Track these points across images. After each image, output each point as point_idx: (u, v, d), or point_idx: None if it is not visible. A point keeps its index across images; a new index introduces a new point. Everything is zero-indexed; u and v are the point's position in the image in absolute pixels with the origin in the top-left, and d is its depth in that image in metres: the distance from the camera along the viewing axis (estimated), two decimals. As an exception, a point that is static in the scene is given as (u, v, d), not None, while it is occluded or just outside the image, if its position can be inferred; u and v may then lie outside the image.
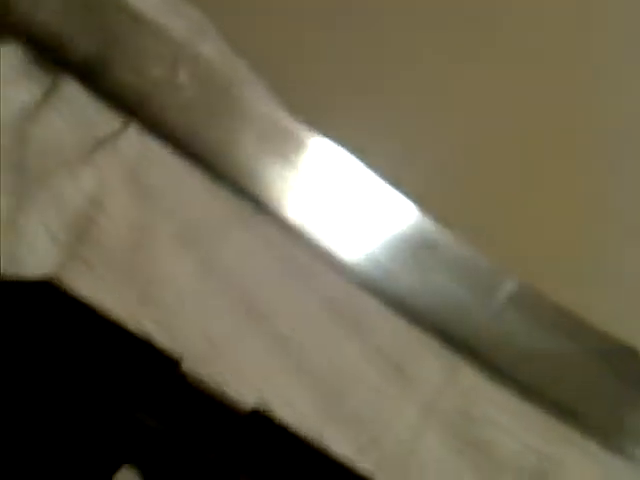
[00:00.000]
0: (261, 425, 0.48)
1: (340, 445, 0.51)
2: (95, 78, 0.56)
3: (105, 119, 0.56)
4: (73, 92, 0.55)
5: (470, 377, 0.59)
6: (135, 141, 0.56)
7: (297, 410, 0.51)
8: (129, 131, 0.56)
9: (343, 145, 0.61)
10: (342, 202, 0.59)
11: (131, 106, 0.56)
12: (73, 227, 0.53)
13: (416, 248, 0.60)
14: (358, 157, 0.61)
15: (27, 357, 0.44)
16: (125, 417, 0.44)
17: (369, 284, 0.58)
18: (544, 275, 0.60)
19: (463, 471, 0.55)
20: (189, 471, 0.45)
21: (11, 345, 0.44)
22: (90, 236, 0.53)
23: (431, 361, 0.58)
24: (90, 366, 0.44)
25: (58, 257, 0.52)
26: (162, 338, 0.50)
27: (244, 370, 0.53)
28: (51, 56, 0.56)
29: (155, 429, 0.44)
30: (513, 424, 0.57)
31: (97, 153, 0.55)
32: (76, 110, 0.55)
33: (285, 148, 0.59)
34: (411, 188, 0.61)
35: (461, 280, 0.59)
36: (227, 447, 0.45)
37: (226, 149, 0.58)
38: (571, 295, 0.59)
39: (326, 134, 0.60)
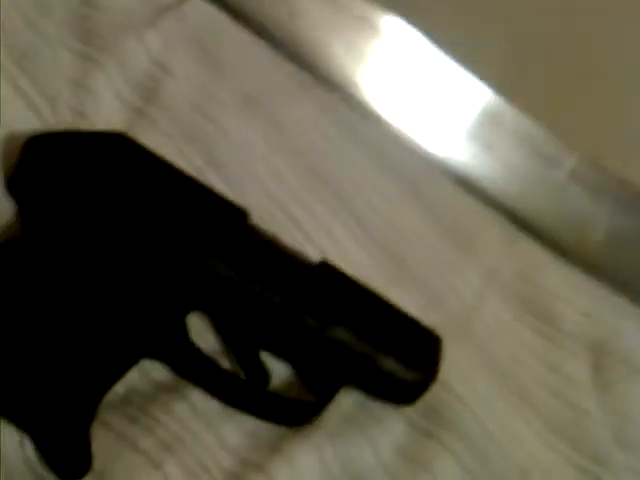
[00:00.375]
0: (328, 275, 0.48)
1: (403, 304, 0.51)
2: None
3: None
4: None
5: (530, 247, 0.59)
6: (199, 8, 0.56)
7: (360, 269, 0.52)
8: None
9: (413, 25, 0.61)
10: (409, 79, 0.59)
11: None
12: (140, 87, 0.53)
13: (483, 124, 0.60)
14: (427, 36, 0.61)
15: (104, 203, 0.44)
16: (195, 263, 0.44)
17: (434, 158, 0.58)
18: (607, 150, 0.60)
19: (523, 332, 0.56)
20: (256, 315, 0.46)
21: (88, 191, 0.44)
22: (156, 96, 0.53)
23: (493, 230, 0.58)
24: (163, 213, 0.45)
25: (125, 115, 0.52)
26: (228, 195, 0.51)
27: (308, 230, 0.53)
28: None
29: (224, 275, 0.45)
30: (571, 293, 0.57)
31: (162, 18, 0.55)
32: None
33: (353, 25, 0.59)
34: (481, 68, 0.61)
35: (526, 155, 0.59)
36: (294, 293, 0.46)
37: (291, 23, 0.58)
38: (633, 169, 0.59)
39: (394, 13, 0.60)
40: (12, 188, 0.45)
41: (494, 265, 0.57)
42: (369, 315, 0.48)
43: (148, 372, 0.44)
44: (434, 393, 0.50)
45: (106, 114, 0.51)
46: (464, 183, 0.60)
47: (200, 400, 0.44)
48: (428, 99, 0.62)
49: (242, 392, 0.45)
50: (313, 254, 0.51)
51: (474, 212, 0.59)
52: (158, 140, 0.51)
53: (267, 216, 0.52)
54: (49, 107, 0.49)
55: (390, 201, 0.56)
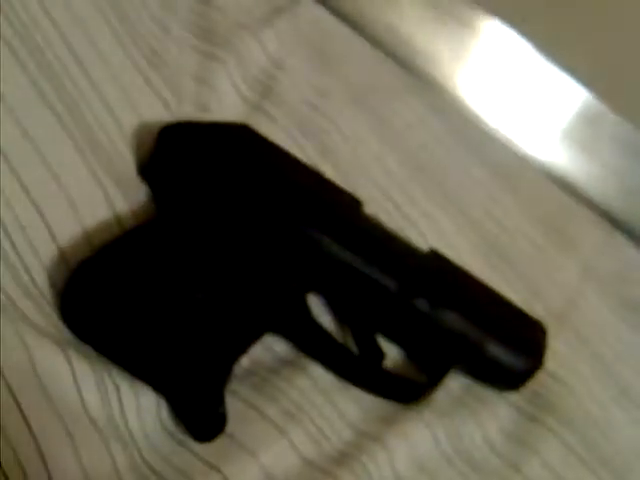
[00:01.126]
0: (438, 262, 0.50)
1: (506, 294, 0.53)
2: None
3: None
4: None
5: (625, 245, 0.60)
6: (312, 10, 0.59)
7: (463, 259, 0.53)
8: (305, 1, 0.59)
9: (513, 28, 0.62)
10: (508, 81, 0.61)
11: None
12: (257, 83, 0.56)
13: (581, 126, 0.61)
14: (527, 39, 0.62)
15: (232, 189, 0.47)
16: (315, 246, 0.47)
17: (532, 158, 0.60)
18: None
19: (619, 326, 0.57)
20: (371, 299, 0.48)
21: (218, 178, 0.47)
22: (272, 92, 0.56)
23: (590, 228, 0.59)
24: (287, 198, 0.47)
25: (244, 109, 0.55)
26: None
27: (415, 220, 0.55)
28: None
29: (342, 259, 0.47)
30: None
31: (278, 18, 0.58)
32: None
33: (457, 29, 0.61)
34: (578, 70, 0.62)
35: (623, 156, 0.61)
36: (407, 278, 0.48)
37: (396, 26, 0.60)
38: None
39: (498, 17, 0.62)
40: (147, 175, 0.48)
41: (591, 260, 0.59)
42: (478, 302, 0.50)
43: (271, 346, 0.46)
44: (539, 379, 0.51)
45: (227, 108, 0.54)
46: (562, 184, 0.61)
47: (319, 374, 0.46)
48: (527, 101, 0.64)
49: (357, 367, 0.47)
50: (419, 244, 0.53)
51: (571, 210, 0.60)
52: (274, 133, 0.53)
53: (376, 206, 0.54)
54: (176, 101, 0.52)
55: (492, 196, 0.58)
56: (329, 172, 0.54)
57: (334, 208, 0.49)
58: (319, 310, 0.49)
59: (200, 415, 0.41)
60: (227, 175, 0.47)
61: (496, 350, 0.49)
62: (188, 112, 0.52)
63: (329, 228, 0.47)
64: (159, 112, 0.51)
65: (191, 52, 0.55)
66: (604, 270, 0.60)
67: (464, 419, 0.49)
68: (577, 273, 0.59)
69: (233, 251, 0.45)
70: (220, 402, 0.41)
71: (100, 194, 0.45)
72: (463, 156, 0.60)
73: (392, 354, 0.50)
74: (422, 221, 0.56)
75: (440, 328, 0.48)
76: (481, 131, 0.62)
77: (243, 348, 0.44)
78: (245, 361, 0.45)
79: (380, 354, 0.48)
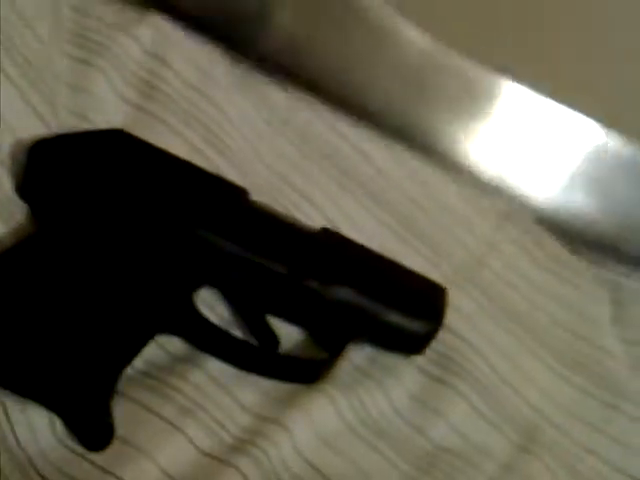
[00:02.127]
0: (329, 240, 0.51)
1: (411, 261, 0.53)
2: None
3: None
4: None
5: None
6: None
7: (367, 233, 0.54)
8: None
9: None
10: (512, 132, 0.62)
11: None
12: (137, 81, 0.56)
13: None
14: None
15: (109, 195, 0.47)
16: (196, 241, 0.47)
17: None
18: None
19: (538, 275, 0.58)
20: (261, 285, 0.48)
21: (94, 186, 0.47)
22: (154, 89, 0.56)
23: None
24: (165, 198, 0.48)
25: (127, 112, 0.55)
26: (231, 173, 0.53)
27: (313, 198, 0.56)
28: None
29: (226, 250, 0.48)
30: None
31: (148, 12, 0.58)
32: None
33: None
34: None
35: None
36: (295, 260, 0.48)
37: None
38: None
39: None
40: (22, 192, 0.48)
41: (508, 210, 0.59)
42: (370, 273, 0.50)
43: (164, 346, 0.47)
44: (445, 341, 0.52)
45: (108, 114, 0.54)
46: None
47: (215, 367, 0.47)
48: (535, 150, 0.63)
49: (253, 356, 0.48)
50: (321, 222, 0.54)
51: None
52: (160, 130, 0.54)
53: (272, 189, 0.54)
54: (52, 113, 0.52)
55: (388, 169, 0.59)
56: (219, 161, 0.54)
57: (215, 201, 0.49)
58: (213, 302, 0.50)
59: (87, 426, 0.42)
60: (101, 183, 0.48)
61: (392, 317, 0.50)
62: (67, 123, 0.53)
63: (209, 221, 0.48)
64: (35, 127, 0.51)
65: (66, 60, 0.55)
66: (521, 218, 0.61)
67: (369, 389, 0.50)
68: (489, 226, 0.59)
69: (117, 257, 0.46)
70: (106, 411, 0.42)
71: None
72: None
73: (293, 335, 0.51)
74: (320, 200, 0.56)
75: (333, 304, 0.49)
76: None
77: (132, 352, 0.45)
78: (139, 363, 0.46)
79: (275, 339, 0.49)
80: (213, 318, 0.49)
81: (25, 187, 0.48)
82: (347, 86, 0.60)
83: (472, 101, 0.61)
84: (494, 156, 0.61)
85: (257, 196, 0.52)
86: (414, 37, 0.61)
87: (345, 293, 0.49)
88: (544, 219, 0.62)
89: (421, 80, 0.61)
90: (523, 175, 0.62)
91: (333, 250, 0.51)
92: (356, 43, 0.60)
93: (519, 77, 0.62)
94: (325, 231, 0.52)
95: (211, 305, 0.49)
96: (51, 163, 0.48)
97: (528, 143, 0.62)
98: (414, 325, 0.50)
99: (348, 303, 0.49)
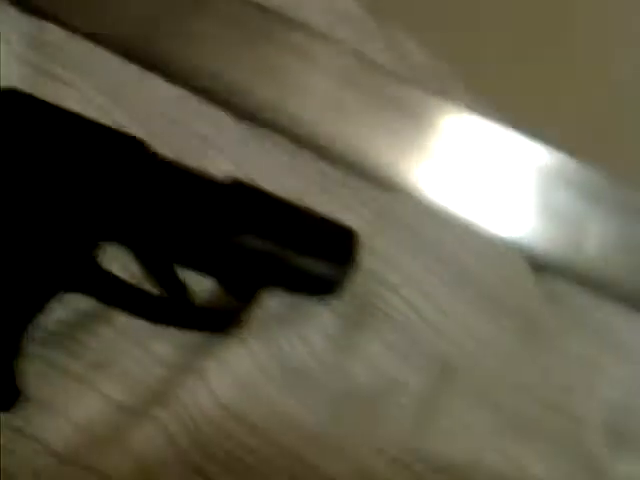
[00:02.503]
0: (234, 189, 0.51)
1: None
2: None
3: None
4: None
5: None
6: None
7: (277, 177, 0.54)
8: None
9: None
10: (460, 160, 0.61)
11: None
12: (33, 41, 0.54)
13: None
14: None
15: (8, 154, 0.46)
16: (99, 195, 0.47)
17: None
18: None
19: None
20: (167, 235, 0.48)
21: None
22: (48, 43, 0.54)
23: None
24: (65, 154, 0.47)
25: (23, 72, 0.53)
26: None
27: (221, 145, 0.55)
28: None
29: (130, 203, 0.47)
30: None
31: None
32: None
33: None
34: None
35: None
36: (200, 209, 0.48)
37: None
38: None
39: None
40: None
41: None
42: (278, 220, 0.50)
43: (72, 303, 0.47)
44: (361, 282, 0.53)
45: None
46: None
47: (125, 321, 0.47)
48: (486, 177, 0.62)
49: (163, 308, 0.48)
50: (228, 169, 0.53)
51: None
52: (57, 87, 0.52)
53: (173, 138, 0.54)
54: None
55: None
56: (118, 116, 0.53)
57: (115, 154, 0.48)
58: (121, 258, 0.49)
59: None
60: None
61: (300, 261, 0.50)
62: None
63: (111, 175, 0.47)
64: None
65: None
66: None
67: (286, 334, 0.50)
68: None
69: (16, 211, 0.45)
70: (9, 371, 0.42)
71: None
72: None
73: (204, 286, 0.50)
74: (227, 144, 0.56)
75: (241, 252, 0.49)
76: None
77: (31, 313, 0.44)
78: (47, 323, 0.46)
79: (183, 289, 0.49)
80: (121, 274, 0.48)
81: None
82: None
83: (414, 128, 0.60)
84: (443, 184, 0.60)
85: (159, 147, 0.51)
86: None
87: (251, 240, 0.49)
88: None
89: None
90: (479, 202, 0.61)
91: (239, 198, 0.50)
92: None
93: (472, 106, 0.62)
94: (232, 180, 0.51)
95: (119, 261, 0.49)
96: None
97: (478, 170, 0.61)
98: (323, 267, 0.50)
99: (255, 250, 0.49)
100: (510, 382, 0.53)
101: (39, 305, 0.44)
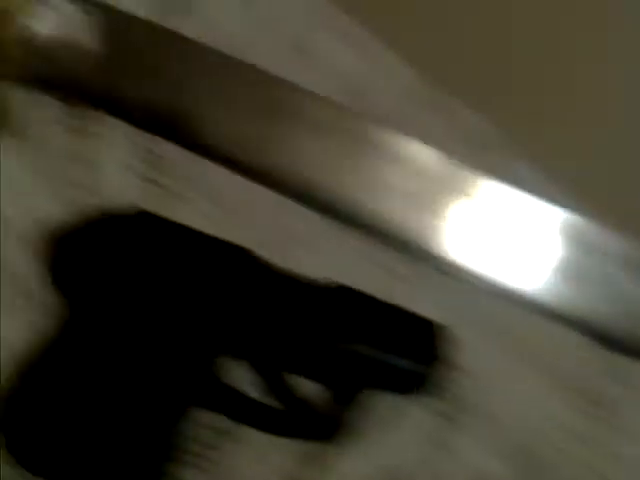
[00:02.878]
0: (342, 295, 0.54)
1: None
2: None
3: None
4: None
5: None
6: None
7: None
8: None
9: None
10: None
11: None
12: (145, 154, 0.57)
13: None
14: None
15: (133, 275, 0.50)
16: (216, 312, 0.50)
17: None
18: None
19: None
20: (276, 344, 0.52)
21: (120, 268, 0.50)
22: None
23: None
24: (182, 274, 0.51)
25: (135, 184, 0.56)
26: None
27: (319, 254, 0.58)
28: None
29: (243, 316, 0.51)
30: None
31: None
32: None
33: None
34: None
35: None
36: (304, 315, 0.52)
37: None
38: None
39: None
40: (54, 279, 0.51)
41: None
42: (379, 323, 0.54)
43: (198, 419, 0.50)
44: (448, 376, 0.56)
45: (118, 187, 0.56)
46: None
47: (247, 434, 0.51)
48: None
49: (280, 420, 0.51)
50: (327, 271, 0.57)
51: None
52: (168, 201, 0.56)
53: (277, 244, 0.57)
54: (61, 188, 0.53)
55: None
56: (220, 221, 0.56)
57: (225, 267, 0.52)
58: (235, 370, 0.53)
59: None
60: (127, 267, 0.50)
61: (402, 363, 0.53)
62: (76, 198, 0.54)
63: (222, 288, 0.51)
64: (47, 207, 0.52)
65: (63, 132, 0.56)
66: None
67: (385, 434, 0.53)
68: None
69: (146, 338, 0.48)
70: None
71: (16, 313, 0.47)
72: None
73: (307, 390, 0.54)
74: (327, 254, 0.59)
75: (349, 358, 0.52)
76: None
77: (170, 430, 0.48)
78: (177, 440, 0.49)
79: (297, 400, 0.52)
80: (238, 386, 0.52)
81: (56, 275, 0.50)
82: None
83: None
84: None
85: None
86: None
87: (359, 346, 0.52)
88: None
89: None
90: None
91: (343, 303, 0.54)
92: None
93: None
94: (333, 284, 0.55)
95: (230, 371, 0.52)
96: (80, 251, 0.50)
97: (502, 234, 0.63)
98: (421, 367, 0.54)
99: (362, 355, 0.52)
100: (594, 469, 0.57)
101: (174, 423, 0.47)
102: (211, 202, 0.57)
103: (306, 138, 0.60)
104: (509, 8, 0.73)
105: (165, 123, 0.57)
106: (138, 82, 0.58)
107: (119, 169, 0.56)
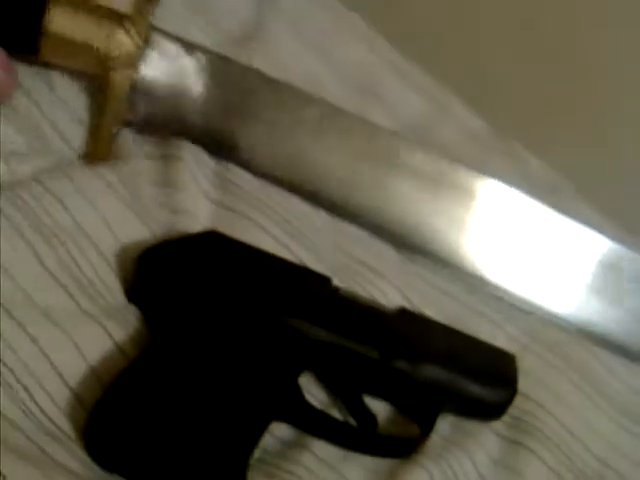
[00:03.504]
0: (408, 320, 0.56)
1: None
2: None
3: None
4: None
5: None
6: None
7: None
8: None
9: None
10: (515, 240, 0.65)
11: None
12: (214, 177, 0.60)
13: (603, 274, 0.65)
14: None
15: (209, 295, 0.52)
16: (295, 333, 0.52)
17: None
18: None
19: None
20: (355, 368, 0.53)
21: (198, 290, 0.52)
22: (230, 183, 0.60)
23: None
24: (264, 293, 0.52)
25: (210, 207, 0.59)
26: (312, 263, 0.58)
27: (389, 280, 0.60)
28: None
29: (322, 339, 0.52)
30: None
31: None
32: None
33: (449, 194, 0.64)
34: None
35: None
36: (383, 342, 0.53)
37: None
38: None
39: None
40: (135, 299, 0.53)
41: None
42: (451, 348, 0.55)
43: (274, 432, 0.52)
44: (517, 404, 0.57)
45: (197, 209, 0.58)
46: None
47: (322, 448, 0.52)
48: (540, 257, 0.65)
49: (356, 437, 0.53)
50: (395, 298, 0.59)
51: None
52: (242, 226, 0.58)
53: (347, 276, 0.59)
54: (146, 212, 0.57)
55: None
56: (298, 250, 0.59)
57: (306, 291, 0.54)
58: (311, 387, 0.54)
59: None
60: (205, 285, 0.52)
61: (474, 388, 0.54)
62: (161, 218, 0.57)
63: (304, 312, 0.53)
64: (134, 229, 0.55)
65: (146, 158, 0.59)
66: None
67: (455, 455, 0.54)
68: None
69: (228, 354, 0.50)
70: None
71: (98, 330, 0.50)
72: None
73: (384, 411, 0.55)
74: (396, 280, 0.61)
75: (422, 382, 0.54)
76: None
77: (254, 443, 0.49)
78: (255, 452, 0.51)
79: (373, 419, 0.54)
80: (313, 401, 0.53)
81: (136, 293, 0.53)
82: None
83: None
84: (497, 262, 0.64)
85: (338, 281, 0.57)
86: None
87: (431, 370, 0.54)
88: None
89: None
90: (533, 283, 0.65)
91: (415, 329, 0.55)
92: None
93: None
94: (404, 311, 0.57)
95: (309, 389, 0.54)
96: (159, 270, 0.52)
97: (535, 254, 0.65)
98: (494, 394, 0.55)
99: (434, 379, 0.54)
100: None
101: (259, 433, 0.49)
102: (282, 229, 0.59)
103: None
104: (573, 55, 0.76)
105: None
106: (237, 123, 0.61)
107: (194, 194, 0.59)
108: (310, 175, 0.62)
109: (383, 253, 0.62)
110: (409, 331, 0.55)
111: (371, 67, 0.76)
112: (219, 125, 0.61)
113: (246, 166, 0.61)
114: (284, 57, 0.71)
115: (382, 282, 0.60)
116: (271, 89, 0.62)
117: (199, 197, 0.59)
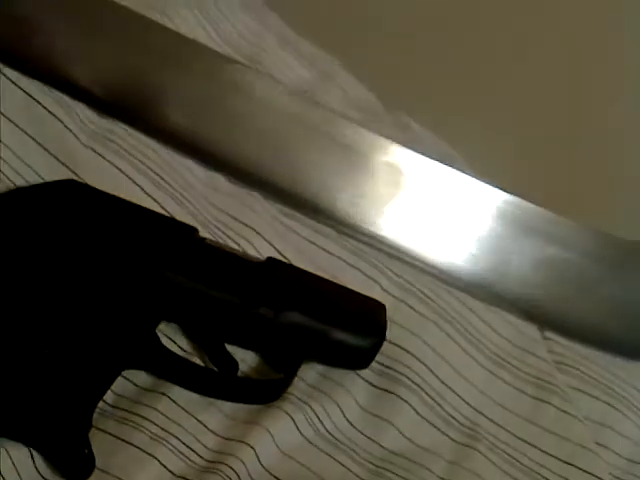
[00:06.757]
0: (275, 268, 0.55)
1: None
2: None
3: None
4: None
5: None
6: None
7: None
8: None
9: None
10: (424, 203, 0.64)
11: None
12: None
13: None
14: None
15: (70, 241, 0.51)
16: (157, 280, 0.51)
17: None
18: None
19: None
20: (218, 316, 0.52)
21: (54, 233, 0.51)
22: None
23: None
24: (124, 241, 0.52)
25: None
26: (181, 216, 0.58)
27: (262, 235, 0.60)
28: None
29: (184, 286, 0.52)
30: None
31: None
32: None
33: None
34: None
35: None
36: (247, 290, 0.53)
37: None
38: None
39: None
40: None
41: None
42: (317, 296, 0.55)
43: (131, 379, 0.51)
44: (386, 352, 0.57)
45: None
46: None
47: (180, 395, 0.51)
48: (430, 211, 0.64)
49: (215, 382, 0.52)
50: (266, 249, 0.59)
51: None
52: (111, 172, 0.57)
53: (213, 225, 0.58)
54: None
55: None
56: (165, 202, 0.58)
57: (169, 240, 0.53)
58: (172, 334, 0.53)
59: (69, 460, 0.45)
60: (59, 231, 0.51)
61: (340, 336, 0.54)
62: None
63: (166, 260, 0.52)
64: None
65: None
66: None
67: (322, 404, 0.54)
68: None
69: (77, 299, 0.49)
70: (86, 444, 0.46)
71: None
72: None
73: (249, 360, 0.55)
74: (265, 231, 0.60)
75: (285, 329, 0.53)
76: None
77: (103, 388, 0.48)
78: (109, 398, 0.50)
79: (234, 364, 0.53)
80: (174, 349, 0.52)
81: None
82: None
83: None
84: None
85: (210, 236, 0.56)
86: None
87: (295, 317, 0.53)
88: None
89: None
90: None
91: (281, 278, 0.55)
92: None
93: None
94: (271, 260, 0.56)
95: (170, 336, 0.53)
96: (9, 216, 0.51)
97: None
98: (360, 342, 0.54)
99: (298, 326, 0.53)
100: (532, 444, 0.57)
101: (108, 381, 0.48)
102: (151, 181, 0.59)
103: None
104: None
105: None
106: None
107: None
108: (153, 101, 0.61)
109: (257, 207, 0.61)
110: (274, 279, 0.54)
111: (259, 39, 0.76)
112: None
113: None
114: (177, 22, 0.70)
115: (255, 237, 0.59)
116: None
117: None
